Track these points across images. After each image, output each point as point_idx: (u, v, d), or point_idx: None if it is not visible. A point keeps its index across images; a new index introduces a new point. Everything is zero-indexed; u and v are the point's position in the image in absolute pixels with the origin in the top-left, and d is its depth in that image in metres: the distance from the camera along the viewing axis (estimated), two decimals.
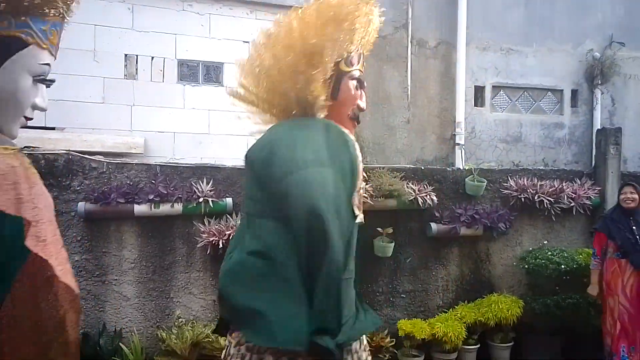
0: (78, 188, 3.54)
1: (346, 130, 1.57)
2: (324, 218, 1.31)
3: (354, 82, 1.64)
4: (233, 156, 4.42)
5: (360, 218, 1.54)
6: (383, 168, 4.09)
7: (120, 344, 3.40)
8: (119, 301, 3.58)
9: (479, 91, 5.26)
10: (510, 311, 3.99)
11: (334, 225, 1.32)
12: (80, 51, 4.19)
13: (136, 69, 4.34)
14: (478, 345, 4.06)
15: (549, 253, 4.18)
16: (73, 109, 4.14)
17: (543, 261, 4.08)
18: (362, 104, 1.65)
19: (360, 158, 1.56)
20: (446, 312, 4.12)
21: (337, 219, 1.35)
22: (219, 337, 3.36)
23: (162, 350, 3.45)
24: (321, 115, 1.58)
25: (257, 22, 4.64)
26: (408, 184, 4.06)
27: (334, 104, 1.63)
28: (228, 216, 3.68)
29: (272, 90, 1.58)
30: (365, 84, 1.66)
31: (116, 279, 3.59)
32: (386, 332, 3.91)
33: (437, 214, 4.16)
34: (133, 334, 3.50)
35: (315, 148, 1.44)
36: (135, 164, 3.70)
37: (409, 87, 4.94)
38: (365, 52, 1.69)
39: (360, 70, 1.66)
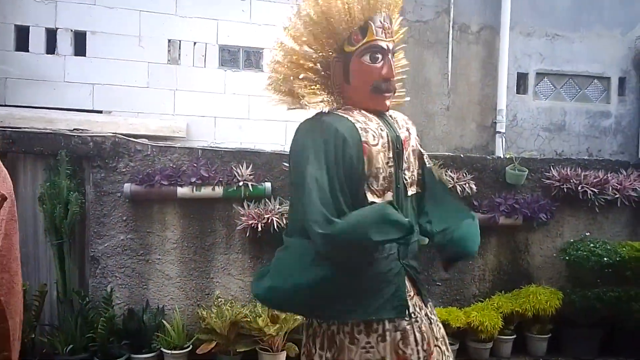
0: (124, 170, 3.66)
1: (352, 119, 1.58)
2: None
3: (366, 57, 1.61)
4: (272, 141, 4.48)
5: (373, 199, 1.56)
6: None
7: (163, 320, 3.53)
8: (162, 280, 3.72)
9: (522, 78, 5.12)
10: (548, 303, 3.93)
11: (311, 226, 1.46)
12: (126, 36, 4.30)
13: (179, 54, 4.43)
14: (514, 336, 4.03)
15: (591, 245, 4.07)
16: (119, 93, 4.27)
17: (585, 253, 3.98)
18: (384, 71, 1.60)
19: (358, 142, 1.54)
20: (482, 302, 4.09)
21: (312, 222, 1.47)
22: (256, 317, 3.45)
23: (202, 328, 3.57)
24: (326, 108, 1.68)
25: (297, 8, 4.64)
26: (447, 171, 4.02)
27: (351, 87, 1.65)
28: (267, 200, 3.74)
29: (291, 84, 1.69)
30: (384, 47, 1.59)
31: (159, 258, 3.72)
32: None
33: (475, 203, 4.11)
34: (175, 311, 3.63)
35: (306, 151, 1.55)
36: (178, 147, 3.80)
37: (450, 74, 4.86)
38: (372, 15, 1.61)
39: (369, 42, 1.60)
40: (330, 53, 1.66)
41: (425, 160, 1.78)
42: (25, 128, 3.63)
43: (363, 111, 1.65)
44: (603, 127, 5.30)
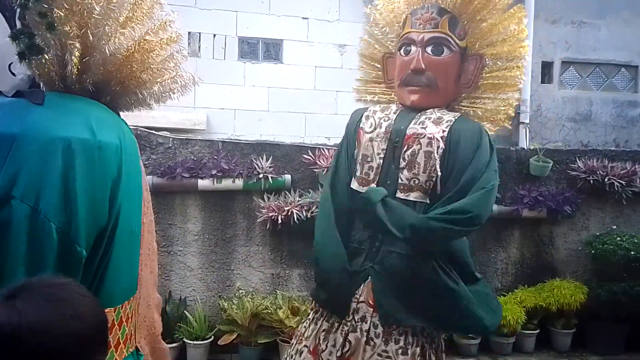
0: (146, 162, 3.69)
1: (376, 107, 1.69)
2: None
3: (401, 50, 1.64)
4: (291, 133, 4.47)
5: (354, 186, 1.61)
6: None
7: (185, 311, 3.57)
8: (184, 271, 3.75)
9: (546, 67, 5.00)
10: (573, 297, 3.85)
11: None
12: None
13: (199, 47, 4.44)
14: (538, 331, 3.97)
15: (618, 238, 3.98)
16: None
17: (611, 247, 3.89)
18: (412, 64, 1.56)
19: (355, 128, 1.65)
20: (505, 296, 4.03)
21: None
22: (277, 309, 3.46)
23: (223, 319, 3.60)
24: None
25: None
26: None
27: (393, 82, 1.71)
28: (286, 192, 3.74)
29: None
30: (416, 38, 1.57)
31: (181, 250, 3.75)
32: None
33: (498, 195, 4.02)
34: (197, 302, 3.67)
35: None
36: (199, 140, 3.82)
37: None
38: (416, 6, 1.65)
39: (407, 32, 1.61)
40: (386, 52, 1.76)
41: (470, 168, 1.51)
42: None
43: (400, 105, 1.65)
44: (630, 117, 5.15)
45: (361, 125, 1.58)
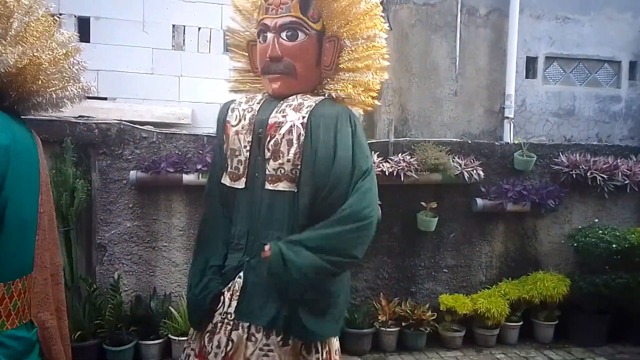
0: (129, 157, 3.65)
1: (241, 97, 1.63)
2: None
3: (260, 38, 1.56)
4: None
5: (226, 182, 1.57)
6: (428, 141, 4.02)
7: (170, 307, 3.55)
8: (169, 267, 3.72)
9: (531, 62, 5.04)
10: (556, 289, 3.91)
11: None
12: (131, 22, 4.26)
13: (183, 40, 4.38)
14: (521, 323, 4.02)
15: (600, 231, 4.04)
16: (124, 79, 4.24)
17: (593, 240, 3.95)
18: (268, 51, 1.51)
19: (223, 122, 1.60)
20: (489, 289, 4.08)
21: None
22: None
23: None
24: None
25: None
26: (454, 158, 3.98)
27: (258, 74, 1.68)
28: None
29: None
30: (269, 24, 1.50)
31: (165, 245, 3.72)
32: (427, 306, 3.92)
33: (483, 189, 4.08)
34: (181, 298, 3.64)
35: None
36: (184, 134, 3.78)
37: (457, 58, 4.78)
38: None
39: (262, 19, 1.54)
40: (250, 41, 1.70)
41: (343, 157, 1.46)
42: (30, 115, 3.61)
43: (262, 94, 1.63)
44: (613, 112, 5.22)
45: (227, 118, 1.54)
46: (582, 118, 5.14)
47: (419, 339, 3.83)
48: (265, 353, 1.45)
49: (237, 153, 1.52)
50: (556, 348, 4.00)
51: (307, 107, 1.50)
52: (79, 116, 3.68)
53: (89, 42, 4.20)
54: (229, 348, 1.46)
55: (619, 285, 3.87)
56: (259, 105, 1.54)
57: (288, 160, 1.47)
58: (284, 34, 1.50)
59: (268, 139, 1.48)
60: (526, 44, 4.97)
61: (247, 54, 1.70)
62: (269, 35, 1.50)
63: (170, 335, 3.44)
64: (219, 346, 1.48)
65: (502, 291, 3.96)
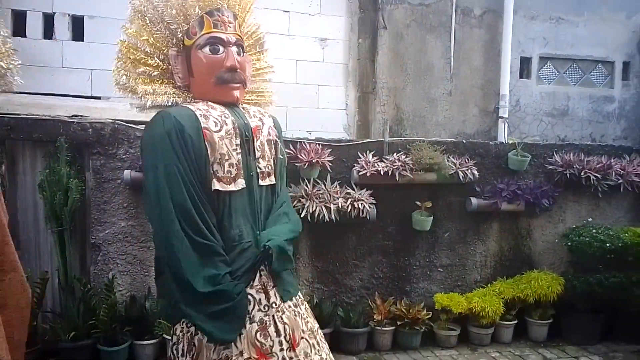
0: (124, 156, 3.64)
1: (193, 107, 1.58)
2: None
3: (206, 49, 1.62)
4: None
5: (219, 187, 1.57)
6: (423, 141, 4.04)
7: None
8: None
9: (525, 62, 5.06)
10: (550, 288, 3.94)
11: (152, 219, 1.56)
12: (124, 21, 4.23)
13: None
14: (516, 321, 4.04)
15: (594, 231, 4.07)
16: None
17: (587, 239, 3.98)
18: (228, 62, 1.61)
19: (197, 130, 1.53)
20: (484, 287, 4.10)
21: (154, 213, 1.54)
22: None
23: None
24: (178, 101, 1.67)
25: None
26: (449, 157, 4.00)
27: (195, 80, 1.67)
28: None
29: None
30: (224, 39, 1.60)
31: None
32: (422, 305, 3.93)
33: (477, 189, 4.10)
34: None
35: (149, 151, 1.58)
36: None
37: (452, 58, 4.80)
38: (208, 9, 1.64)
39: (208, 33, 1.60)
40: (171, 48, 1.67)
41: (279, 150, 1.77)
42: (23, 114, 3.59)
43: (210, 102, 1.66)
44: (607, 112, 5.25)
45: (203, 125, 1.54)
46: (576, 118, 5.17)
47: (414, 338, 3.84)
48: (302, 317, 1.67)
49: (227, 157, 1.56)
50: (550, 347, 4.02)
51: (264, 113, 1.77)
52: (73, 115, 3.67)
53: (82, 41, 4.18)
54: (287, 331, 1.57)
55: (612, 284, 3.89)
56: (228, 112, 1.63)
57: (271, 158, 1.70)
58: (234, 49, 1.63)
59: (255, 140, 1.64)
60: (520, 44, 4.99)
61: (161, 62, 1.67)
62: (222, 48, 1.62)
63: (164, 335, 3.43)
64: (278, 334, 1.55)
65: (496, 290, 3.98)
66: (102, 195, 3.61)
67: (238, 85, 1.65)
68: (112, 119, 3.70)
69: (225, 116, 1.60)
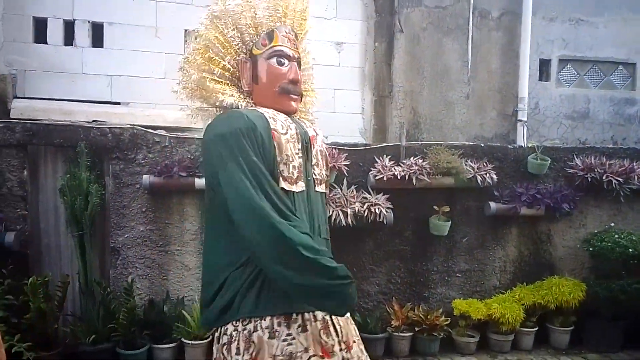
0: (142, 161, 3.67)
1: (261, 110, 1.64)
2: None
3: (272, 60, 1.72)
4: None
5: (285, 186, 1.59)
6: (440, 145, 4.00)
7: (183, 311, 3.55)
8: (181, 270, 3.73)
9: (544, 65, 5.00)
10: (571, 294, 3.86)
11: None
12: (143, 27, 4.29)
13: None
14: (536, 328, 3.97)
15: (616, 236, 3.98)
16: (137, 84, 4.27)
17: (609, 244, 3.90)
18: (291, 74, 1.72)
19: (267, 129, 1.57)
20: (503, 293, 4.04)
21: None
22: None
23: None
24: (243, 104, 1.68)
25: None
26: (466, 161, 3.95)
27: (258, 87, 1.74)
28: None
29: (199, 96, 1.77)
30: (290, 54, 1.71)
31: (178, 250, 3.73)
32: (441, 310, 3.89)
33: (496, 193, 4.04)
34: (194, 302, 3.65)
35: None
36: (196, 138, 3.79)
37: (469, 61, 4.76)
38: (277, 24, 1.74)
39: (275, 46, 1.72)
40: (241, 54, 1.75)
41: (327, 163, 1.85)
42: (45, 120, 3.66)
43: (277, 110, 1.73)
44: (628, 114, 5.15)
45: (272, 126, 1.60)
46: (597, 121, 5.08)
47: (433, 344, 3.80)
48: (351, 322, 1.67)
49: (290, 159, 1.62)
50: (572, 354, 3.95)
51: (312, 124, 1.85)
52: (93, 121, 3.71)
53: (102, 47, 4.24)
54: (343, 333, 1.61)
55: (635, 291, 3.81)
56: (287, 118, 1.70)
57: (325, 167, 1.78)
58: (295, 65, 1.75)
59: (312, 148, 1.72)
60: (539, 46, 4.94)
61: (231, 67, 1.75)
62: (287, 62, 1.73)
63: (183, 339, 3.45)
64: (337, 334, 1.58)
65: (516, 296, 3.92)
66: (121, 200, 3.64)
67: (297, 97, 1.75)
68: (131, 124, 3.74)
69: (289, 122, 1.68)
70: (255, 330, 1.49)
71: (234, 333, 1.52)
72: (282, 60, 1.72)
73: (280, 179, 1.58)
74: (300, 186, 1.63)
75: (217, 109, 1.77)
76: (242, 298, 1.51)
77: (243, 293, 1.51)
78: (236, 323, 1.52)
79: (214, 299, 1.56)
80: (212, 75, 1.72)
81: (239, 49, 1.75)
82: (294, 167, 1.63)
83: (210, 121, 1.67)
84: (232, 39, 1.74)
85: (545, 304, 3.87)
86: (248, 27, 1.74)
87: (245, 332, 1.50)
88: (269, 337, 1.49)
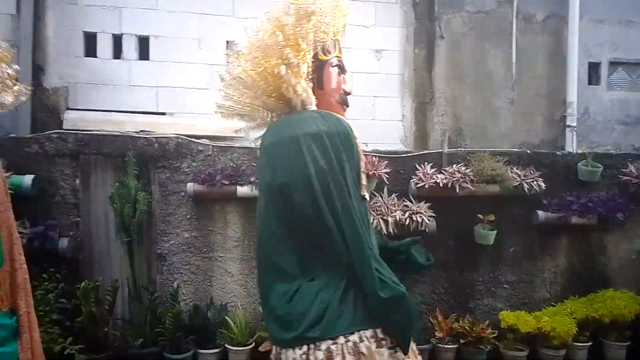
0: (187, 170, 3.75)
1: (335, 115, 1.63)
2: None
3: (335, 69, 1.72)
4: None
5: (366, 195, 1.62)
6: (484, 152, 3.91)
7: (226, 317, 3.59)
8: (224, 277, 3.77)
9: (593, 68, 4.82)
10: (627, 308, 3.67)
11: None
12: (187, 39, 4.41)
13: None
14: (590, 343, 3.79)
15: None
16: (181, 95, 4.38)
17: None
18: (347, 87, 1.73)
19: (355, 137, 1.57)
20: (554, 306, 3.88)
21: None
22: None
23: (264, 326, 3.59)
24: (312, 106, 1.63)
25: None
26: (512, 168, 3.84)
27: (321, 92, 1.71)
28: None
29: (255, 95, 1.70)
30: (345, 68, 1.73)
31: (222, 256, 3.78)
32: (487, 322, 3.77)
33: (544, 201, 3.90)
34: (237, 308, 3.68)
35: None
36: (238, 147, 3.85)
37: (514, 66, 4.64)
38: (339, 38, 1.73)
39: (338, 57, 1.72)
40: (312, 52, 1.70)
41: None
42: (95, 130, 3.80)
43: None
44: None
45: (355, 135, 1.60)
46: None
47: (479, 357, 3.68)
48: (395, 350, 1.61)
49: (363, 169, 1.65)
50: None
51: None
52: (140, 131, 3.83)
53: (148, 60, 4.37)
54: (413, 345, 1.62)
55: None
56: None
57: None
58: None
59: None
60: (587, 49, 4.77)
61: (311, 66, 1.67)
62: (343, 72, 1.75)
63: (226, 345, 3.47)
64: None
65: (568, 309, 3.75)
66: (167, 207, 3.73)
67: (346, 108, 1.78)
68: (176, 134, 3.83)
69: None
70: (362, 340, 1.46)
71: (332, 347, 1.45)
72: (341, 69, 1.74)
73: (363, 187, 1.61)
74: (366, 195, 1.67)
75: (268, 108, 1.73)
76: (337, 312, 1.46)
77: (335, 307, 1.46)
78: (335, 338, 1.46)
79: (295, 311, 1.49)
80: (286, 61, 1.57)
81: (312, 48, 1.65)
82: (363, 173, 1.65)
83: (276, 120, 1.70)
84: (308, 34, 1.62)
85: (599, 317, 3.69)
86: (326, 32, 1.68)
87: (350, 344, 1.45)
88: (377, 347, 1.47)
